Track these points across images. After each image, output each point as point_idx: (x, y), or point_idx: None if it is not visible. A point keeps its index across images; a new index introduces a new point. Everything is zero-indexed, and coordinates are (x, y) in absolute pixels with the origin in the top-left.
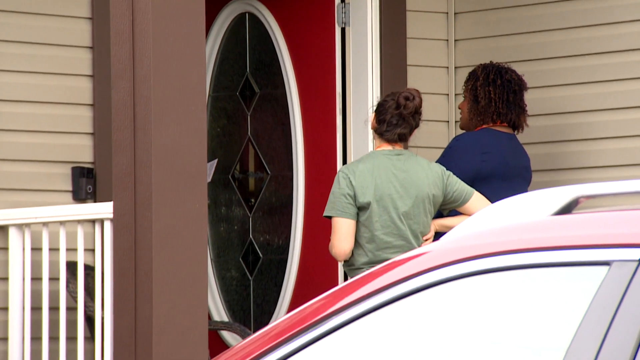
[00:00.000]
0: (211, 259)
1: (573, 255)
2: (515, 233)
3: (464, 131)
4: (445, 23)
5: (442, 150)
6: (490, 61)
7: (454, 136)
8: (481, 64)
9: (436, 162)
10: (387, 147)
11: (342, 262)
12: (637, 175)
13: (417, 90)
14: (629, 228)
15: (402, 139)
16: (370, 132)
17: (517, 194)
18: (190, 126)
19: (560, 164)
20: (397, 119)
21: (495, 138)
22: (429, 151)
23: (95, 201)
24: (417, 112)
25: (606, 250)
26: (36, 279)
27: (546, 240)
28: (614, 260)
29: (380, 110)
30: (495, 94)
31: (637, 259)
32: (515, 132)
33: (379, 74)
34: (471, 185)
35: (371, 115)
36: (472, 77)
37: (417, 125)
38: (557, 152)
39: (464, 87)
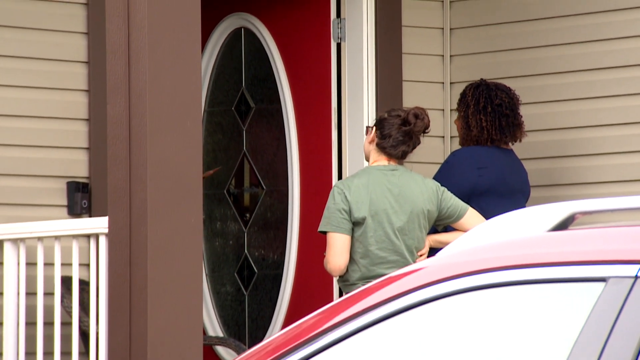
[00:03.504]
0: (206, 274)
1: (569, 272)
2: (511, 249)
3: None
4: (441, 39)
5: (437, 166)
6: (481, 79)
7: (449, 151)
8: (471, 85)
9: (433, 177)
10: (382, 163)
11: (337, 278)
12: (634, 192)
13: (423, 109)
14: (626, 244)
15: (404, 156)
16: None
17: (516, 209)
18: (185, 141)
19: (557, 180)
20: (403, 135)
21: (492, 153)
22: (424, 166)
23: (90, 216)
24: (424, 131)
25: (602, 267)
26: (31, 293)
27: (542, 257)
28: (610, 277)
29: (384, 124)
30: (487, 122)
31: (634, 275)
32: (512, 144)
33: (375, 90)
34: (468, 200)
35: (368, 129)
36: (463, 103)
37: (419, 143)
38: (553, 168)
39: (457, 108)
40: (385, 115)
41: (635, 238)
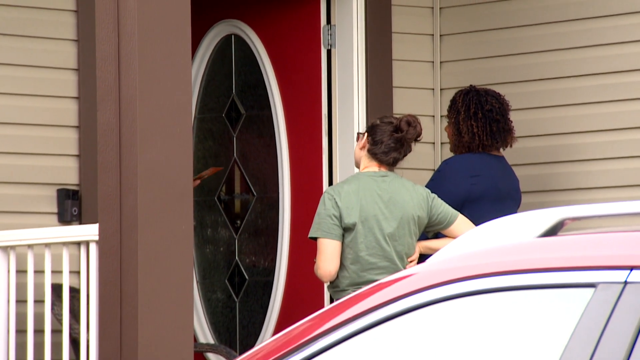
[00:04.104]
0: (197, 281)
1: (559, 277)
2: (501, 255)
3: (452, 154)
4: (431, 45)
5: (427, 172)
6: (470, 85)
7: (439, 157)
8: (461, 92)
9: (426, 185)
10: (373, 169)
11: (327, 284)
12: (623, 197)
13: (416, 117)
14: (615, 250)
15: (395, 163)
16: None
17: (507, 215)
18: (176, 148)
19: (546, 186)
20: (394, 142)
21: (484, 161)
22: (415, 172)
23: (80, 223)
24: (416, 139)
25: (592, 272)
26: (21, 301)
27: (532, 262)
28: (599, 282)
29: (376, 131)
30: (478, 128)
31: (623, 280)
32: (503, 149)
33: (365, 96)
34: (461, 208)
35: (359, 135)
36: (453, 109)
37: (410, 151)
38: (543, 174)
39: (447, 115)
40: (378, 121)
41: (625, 244)
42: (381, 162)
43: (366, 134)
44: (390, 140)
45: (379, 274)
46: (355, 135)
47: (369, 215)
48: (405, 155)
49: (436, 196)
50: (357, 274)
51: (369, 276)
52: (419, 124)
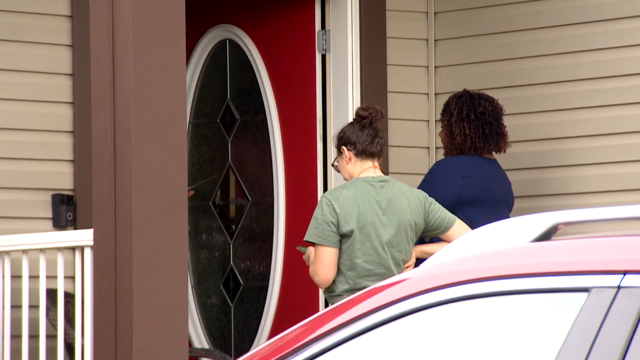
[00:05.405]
0: (192, 286)
1: (552, 282)
2: (494, 260)
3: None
4: (425, 50)
5: (422, 177)
6: (464, 89)
7: (434, 162)
8: (455, 95)
9: (418, 187)
10: (369, 174)
11: (323, 289)
12: (616, 202)
13: (365, 105)
14: (608, 254)
15: (381, 150)
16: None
17: (500, 219)
18: (170, 153)
19: (539, 190)
20: (368, 130)
21: (476, 163)
22: (410, 177)
23: (75, 228)
24: (381, 118)
25: (585, 277)
26: (16, 306)
27: (525, 267)
28: (593, 287)
29: (348, 137)
30: (470, 130)
31: (616, 285)
32: (496, 153)
33: (360, 101)
34: (453, 210)
35: (336, 160)
36: (447, 112)
37: (386, 133)
38: (536, 178)
39: (440, 118)
40: (340, 134)
41: (618, 248)
42: (372, 155)
43: (343, 148)
44: (363, 132)
45: (375, 281)
46: (334, 163)
47: (367, 223)
48: (385, 140)
49: (434, 201)
50: (353, 280)
51: (365, 283)
52: (373, 106)
